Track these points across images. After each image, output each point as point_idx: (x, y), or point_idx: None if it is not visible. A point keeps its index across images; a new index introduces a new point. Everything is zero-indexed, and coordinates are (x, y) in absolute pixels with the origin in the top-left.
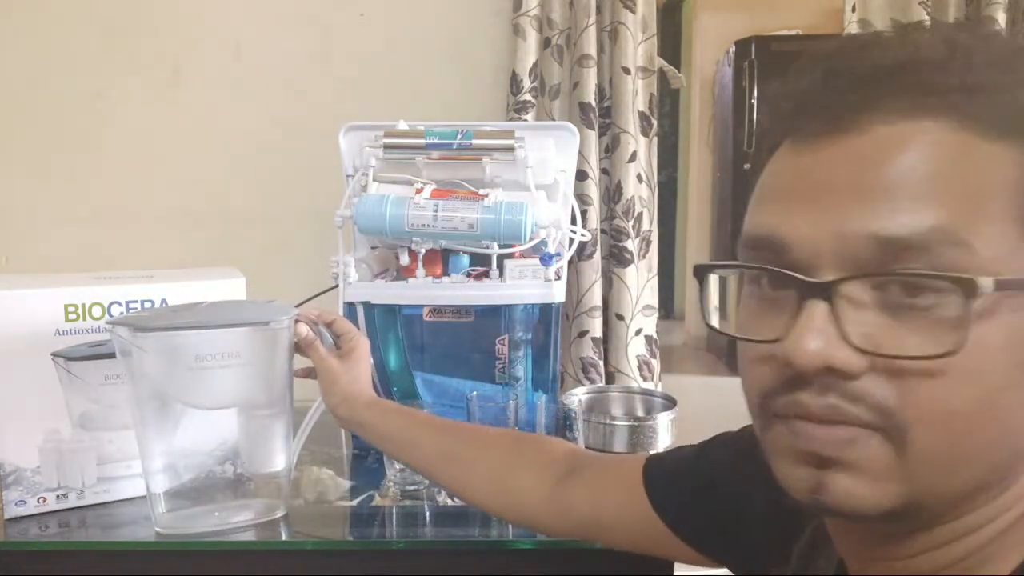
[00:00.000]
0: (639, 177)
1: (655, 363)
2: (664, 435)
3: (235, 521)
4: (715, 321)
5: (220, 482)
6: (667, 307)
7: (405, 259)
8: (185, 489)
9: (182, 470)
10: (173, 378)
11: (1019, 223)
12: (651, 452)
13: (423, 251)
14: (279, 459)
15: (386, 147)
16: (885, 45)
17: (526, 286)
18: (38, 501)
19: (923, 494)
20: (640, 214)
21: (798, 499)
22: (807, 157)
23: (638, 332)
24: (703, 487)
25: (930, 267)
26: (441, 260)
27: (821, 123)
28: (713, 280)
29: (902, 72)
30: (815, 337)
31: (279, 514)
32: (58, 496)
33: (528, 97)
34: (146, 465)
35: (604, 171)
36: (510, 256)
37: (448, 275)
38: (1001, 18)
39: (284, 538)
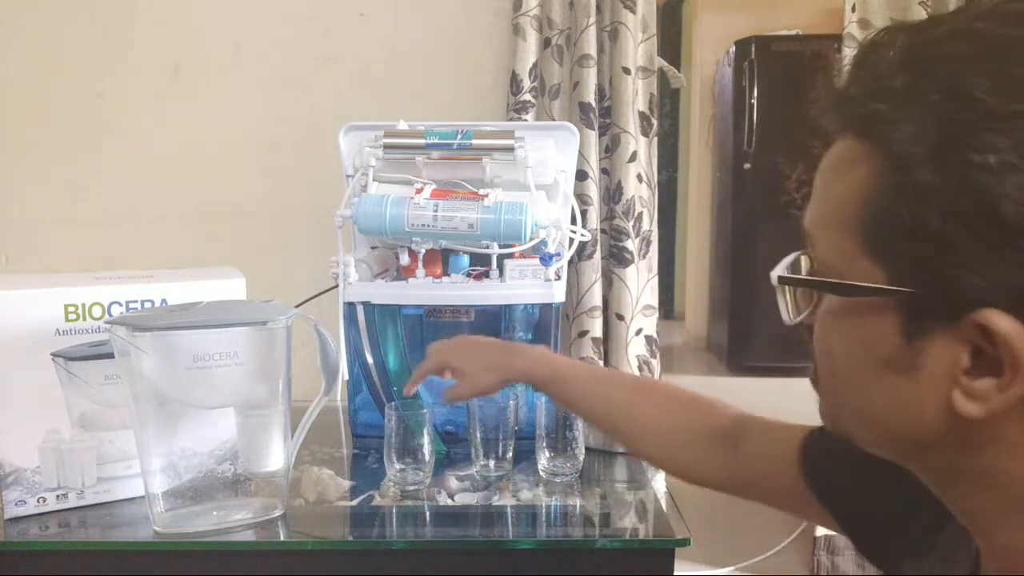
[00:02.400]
0: (639, 177)
1: (655, 363)
2: None
3: (233, 520)
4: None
5: (219, 482)
6: (667, 307)
7: (405, 259)
8: (184, 489)
9: (181, 470)
10: (171, 377)
11: (859, 236)
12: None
13: (423, 251)
14: (277, 458)
15: (386, 147)
16: (848, 67)
17: (526, 286)
18: (38, 501)
19: (840, 427)
20: (640, 214)
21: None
22: None
23: (638, 332)
24: (854, 467)
25: (809, 257)
26: (441, 260)
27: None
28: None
29: (835, 95)
30: (782, 311)
31: (277, 513)
32: (58, 496)
33: (528, 97)
34: (145, 465)
35: (604, 171)
36: (510, 256)
37: (448, 275)
38: None
39: (283, 538)
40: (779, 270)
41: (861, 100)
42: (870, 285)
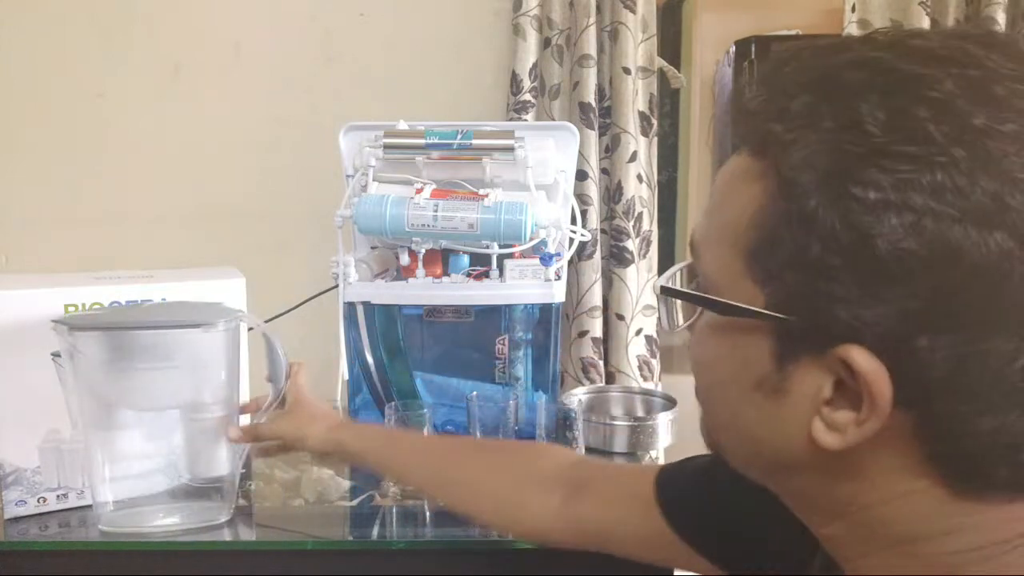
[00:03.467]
0: (639, 177)
1: (655, 363)
2: (664, 435)
3: (169, 524)
4: None
5: (164, 485)
6: None
7: (405, 259)
8: (130, 490)
9: (127, 472)
10: (109, 379)
11: (743, 256)
12: (655, 459)
13: (423, 251)
14: (222, 464)
15: (386, 147)
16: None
17: (526, 286)
18: (38, 501)
19: (713, 441)
20: (640, 214)
21: None
22: None
23: (638, 332)
24: (718, 500)
25: (692, 270)
26: (441, 260)
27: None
28: None
29: (735, 110)
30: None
31: (223, 519)
32: (58, 496)
33: (528, 97)
34: (91, 467)
35: (604, 171)
36: (510, 256)
37: (448, 275)
38: (1001, 18)
39: (281, 539)
40: (663, 280)
41: (760, 117)
42: (747, 307)
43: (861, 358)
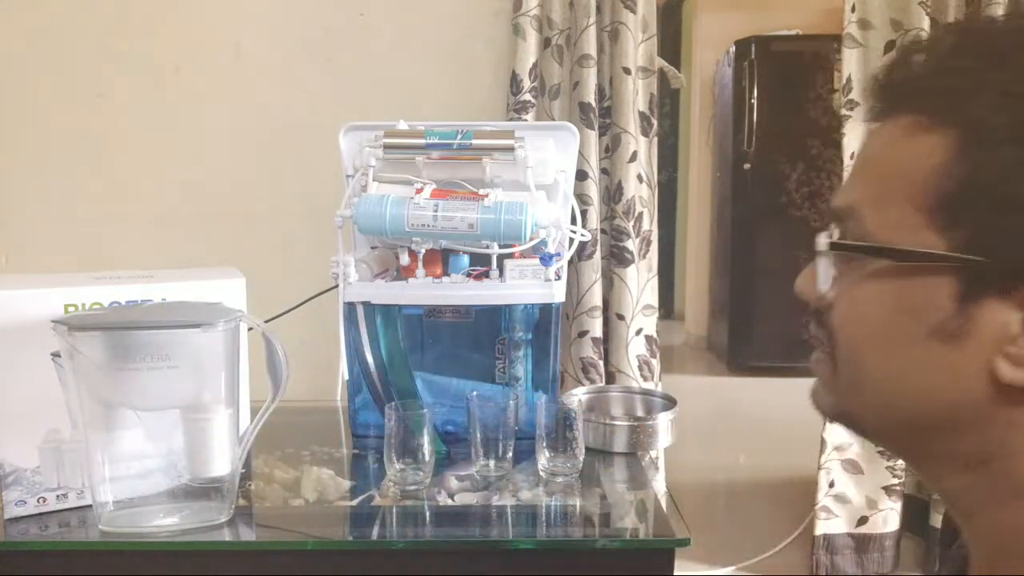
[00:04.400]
0: (639, 177)
1: (655, 363)
2: (664, 435)
3: (169, 524)
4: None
5: (163, 485)
6: (667, 307)
7: (405, 259)
8: (130, 490)
9: (127, 472)
10: (109, 379)
11: (921, 208)
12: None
13: (423, 251)
14: (222, 463)
15: (386, 147)
16: (894, 53)
17: (526, 286)
18: (38, 501)
19: (849, 406)
20: (640, 214)
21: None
22: None
23: (638, 332)
24: None
25: (842, 235)
26: (441, 260)
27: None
28: None
29: (886, 77)
30: (801, 280)
31: (223, 519)
32: (58, 496)
33: (528, 97)
34: (91, 468)
35: (604, 171)
36: (510, 256)
37: (448, 275)
38: None
39: (281, 539)
40: (826, 238)
41: (926, 78)
42: (937, 251)
43: None
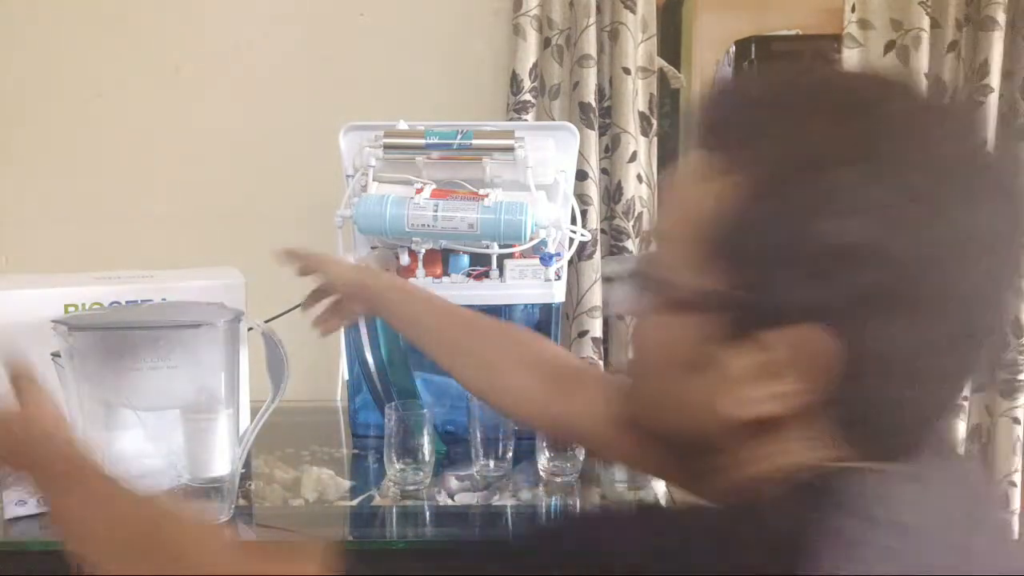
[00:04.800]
0: (639, 177)
1: None
2: None
3: None
4: None
5: (163, 485)
6: None
7: (405, 259)
8: None
9: (127, 472)
10: (109, 379)
11: (710, 245)
12: None
13: (423, 251)
14: (222, 463)
15: (386, 147)
16: (712, 88)
17: (526, 286)
18: (38, 501)
19: (634, 411)
20: (640, 214)
21: None
22: None
23: None
24: None
25: (649, 259)
26: (441, 260)
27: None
28: None
29: (698, 111)
30: (613, 297)
31: (222, 519)
32: None
33: (528, 97)
34: None
35: (604, 171)
36: (510, 256)
37: (448, 275)
38: (1001, 18)
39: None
40: (613, 266)
41: (724, 123)
42: (705, 289)
43: (809, 334)
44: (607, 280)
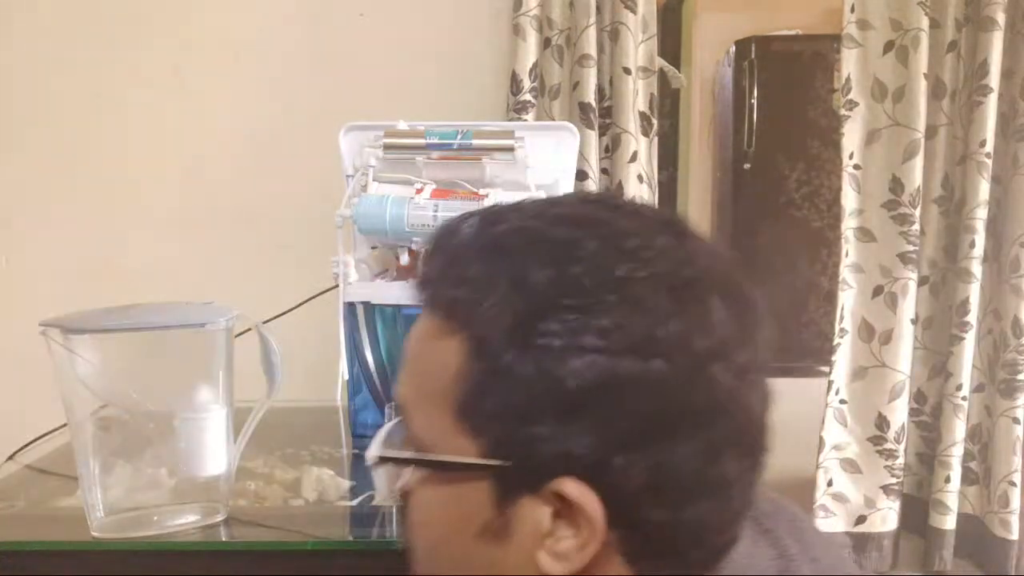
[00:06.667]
0: (639, 177)
1: None
2: None
3: (170, 525)
4: None
5: (158, 486)
6: None
7: (405, 259)
8: (123, 493)
9: (120, 474)
10: (104, 381)
11: (453, 410)
12: None
13: (423, 251)
14: (217, 463)
15: (386, 147)
16: (429, 248)
17: None
18: None
19: None
20: None
21: None
22: None
23: None
24: None
25: (403, 429)
26: None
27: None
28: None
29: (428, 274)
30: (378, 483)
31: (218, 518)
32: None
33: (528, 97)
34: (82, 470)
35: (604, 171)
36: None
37: None
38: (1001, 18)
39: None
40: (375, 448)
41: (442, 284)
42: (463, 460)
43: (572, 487)
44: (381, 462)
